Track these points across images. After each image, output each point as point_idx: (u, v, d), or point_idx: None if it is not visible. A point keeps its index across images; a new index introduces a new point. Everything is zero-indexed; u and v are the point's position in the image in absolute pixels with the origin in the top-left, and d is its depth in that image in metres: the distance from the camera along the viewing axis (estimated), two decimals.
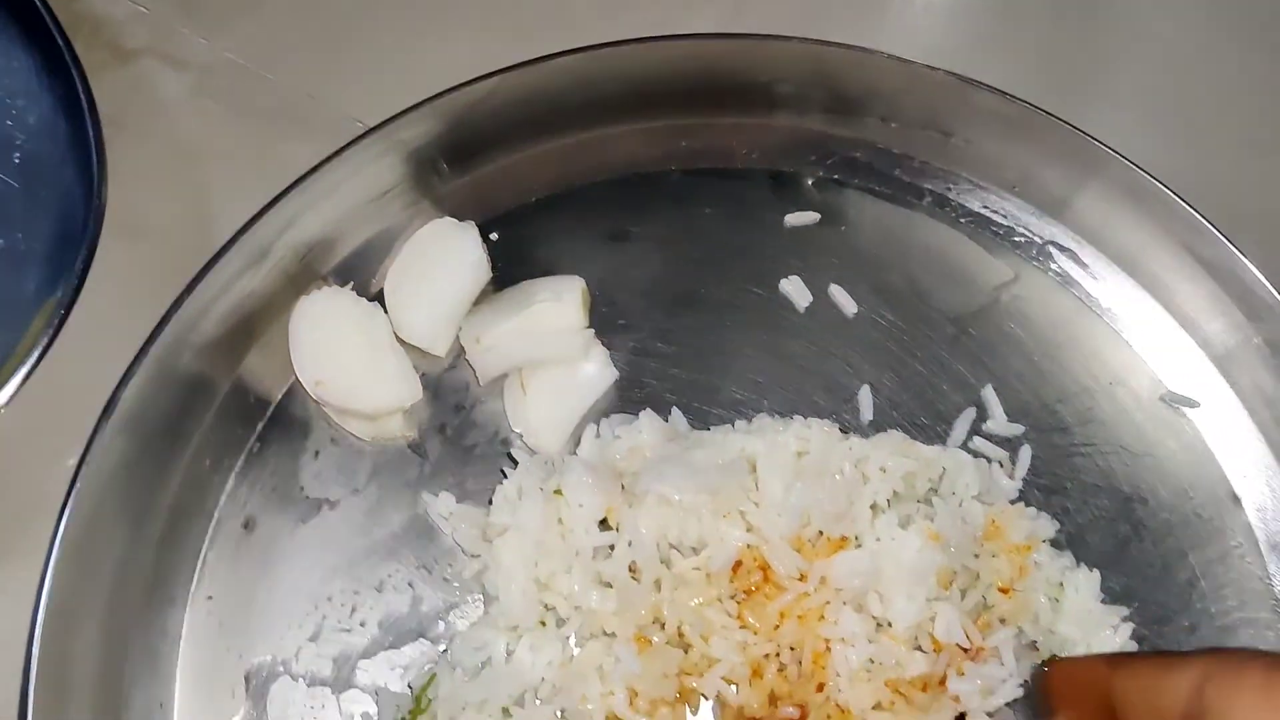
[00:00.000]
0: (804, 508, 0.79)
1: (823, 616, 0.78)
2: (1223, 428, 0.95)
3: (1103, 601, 0.85)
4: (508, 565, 0.79)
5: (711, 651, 0.78)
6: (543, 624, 0.79)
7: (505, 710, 0.77)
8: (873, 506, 0.82)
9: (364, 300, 0.89)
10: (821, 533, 0.81)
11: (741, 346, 0.95)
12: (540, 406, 0.88)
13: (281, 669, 0.82)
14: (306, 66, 1.03)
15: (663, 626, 0.79)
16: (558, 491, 0.81)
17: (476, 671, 0.79)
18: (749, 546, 0.80)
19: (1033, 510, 0.88)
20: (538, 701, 0.78)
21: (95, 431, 0.79)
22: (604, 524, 0.82)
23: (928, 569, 0.79)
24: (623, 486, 0.82)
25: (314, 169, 0.88)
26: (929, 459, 0.86)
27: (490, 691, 0.77)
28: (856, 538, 0.81)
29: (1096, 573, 0.86)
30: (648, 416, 0.87)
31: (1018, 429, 0.93)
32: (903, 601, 0.79)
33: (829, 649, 0.78)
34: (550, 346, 0.88)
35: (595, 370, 0.90)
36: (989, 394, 0.94)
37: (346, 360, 0.87)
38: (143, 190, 0.95)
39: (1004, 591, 0.82)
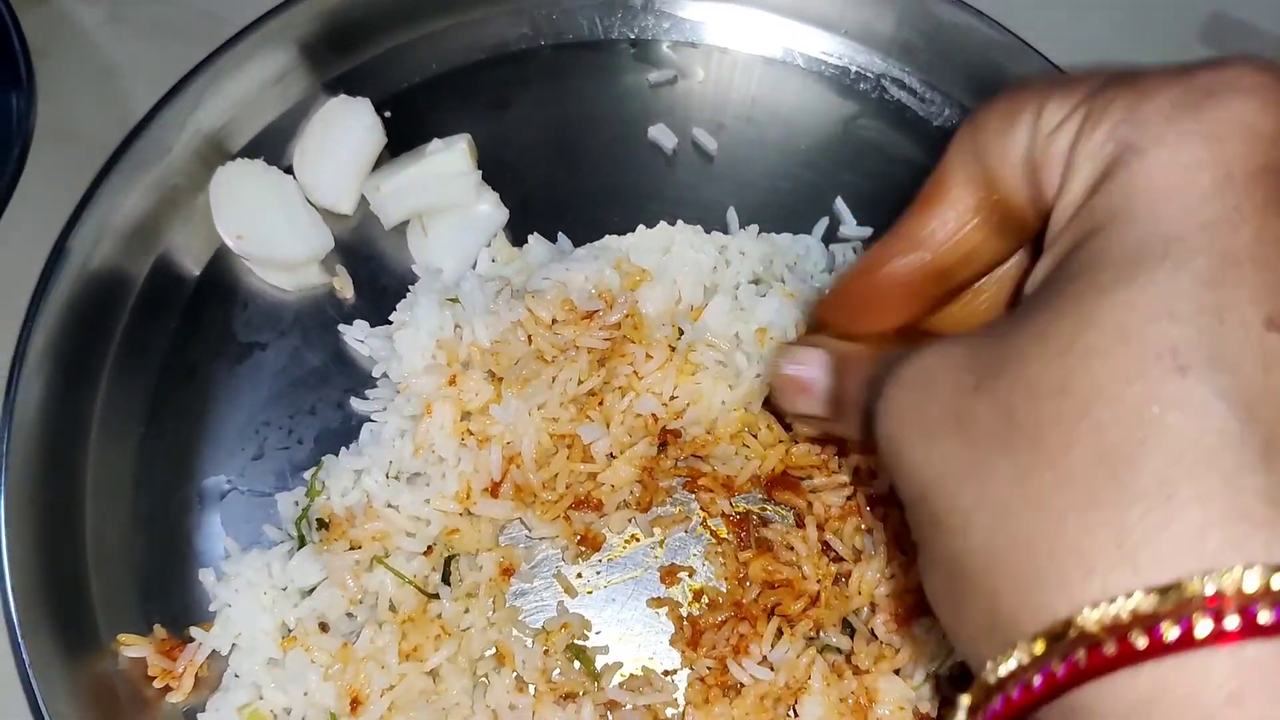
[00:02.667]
0: (674, 280, 0.91)
1: (694, 372, 0.90)
2: None
3: None
4: (406, 354, 0.90)
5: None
6: (429, 412, 0.89)
7: (390, 475, 0.88)
8: (736, 285, 0.94)
9: (274, 168, 1.00)
10: (693, 307, 0.93)
11: (619, 186, 1.06)
12: (440, 244, 0.99)
13: (229, 485, 0.92)
14: None
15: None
16: (453, 299, 0.92)
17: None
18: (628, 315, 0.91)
19: None
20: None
21: (31, 310, 0.89)
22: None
23: (786, 324, 0.91)
24: (512, 293, 0.93)
25: (204, 61, 0.99)
26: (784, 245, 0.98)
27: (373, 460, 0.87)
28: None
29: None
30: (536, 239, 0.99)
31: (867, 231, 1.05)
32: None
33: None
34: (444, 190, 0.99)
35: (488, 210, 1.01)
36: (839, 204, 1.06)
37: (263, 218, 0.97)
38: (69, 106, 1.06)
39: None
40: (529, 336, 0.90)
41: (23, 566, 0.83)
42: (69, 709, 0.80)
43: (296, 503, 0.90)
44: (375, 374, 0.95)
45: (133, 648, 0.85)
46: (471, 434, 0.88)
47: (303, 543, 0.87)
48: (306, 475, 0.90)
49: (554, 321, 0.91)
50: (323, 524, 0.87)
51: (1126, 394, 0.39)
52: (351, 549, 0.86)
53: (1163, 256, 0.40)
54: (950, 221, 0.57)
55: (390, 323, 0.95)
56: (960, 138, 0.55)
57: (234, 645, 0.85)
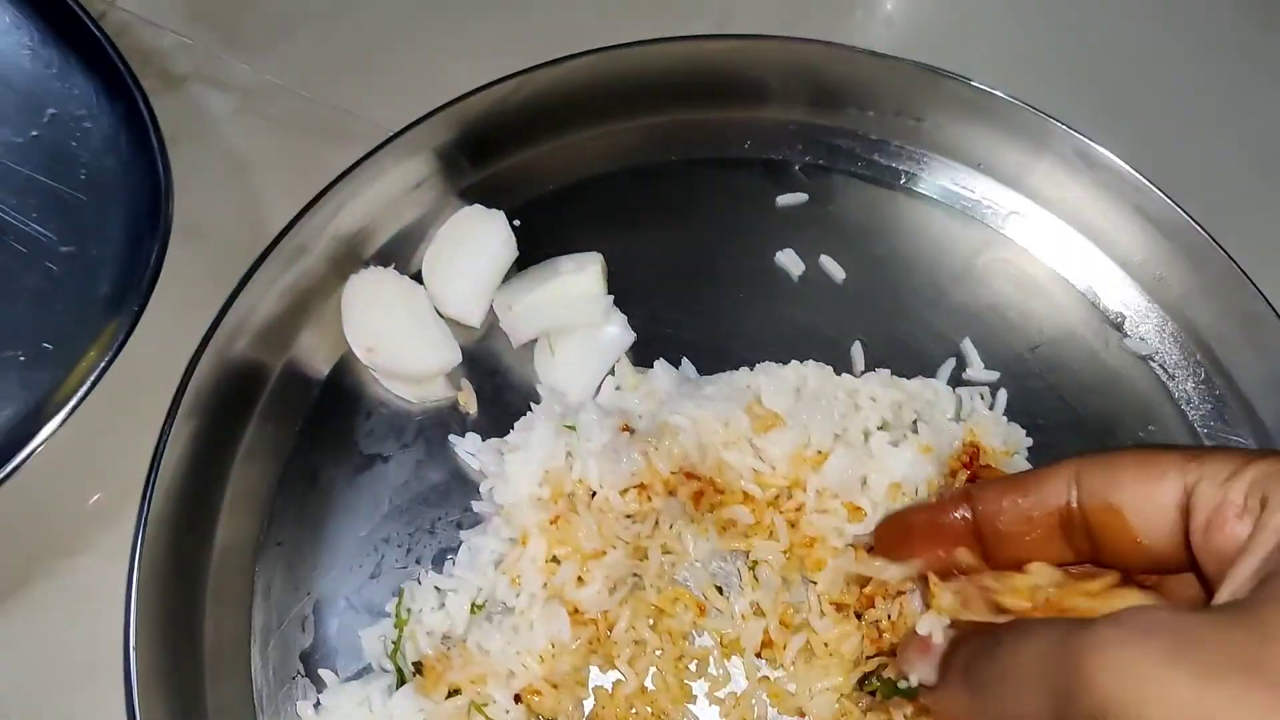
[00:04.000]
0: (804, 424, 0.90)
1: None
2: (1176, 367, 1.06)
3: None
4: (514, 478, 0.89)
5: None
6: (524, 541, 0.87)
7: (475, 605, 0.86)
8: (865, 432, 0.93)
9: (406, 278, 0.99)
10: (820, 451, 0.91)
11: (744, 311, 1.05)
12: (567, 366, 0.99)
13: (345, 603, 0.91)
14: (338, 83, 1.15)
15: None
16: (571, 425, 0.91)
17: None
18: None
19: (1004, 418, 0.98)
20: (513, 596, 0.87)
21: (172, 410, 0.88)
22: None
23: (919, 479, 0.89)
24: (633, 431, 0.91)
25: (349, 169, 0.99)
26: (914, 391, 0.96)
27: (460, 584, 0.87)
28: None
29: None
30: (661, 365, 0.98)
31: (994, 375, 1.04)
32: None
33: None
34: (575, 312, 0.98)
35: (616, 332, 1.00)
36: (967, 345, 1.05)
37: (393, 329, 0.97)
38: (200, 198, 1.05)
39: None
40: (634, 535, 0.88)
41: (146, 673, 0.82)
42: None
43: (382, 637, 0.88)
44: (482, 489, 0.94)
45: None
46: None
47: (401, 678, 0.86)
48: (390, 608, 0.89)
49: (671, 473, 0.89)
50: (418, 668, 0.85)
51: None
52: (450, 695, 0.84)
53: None
54: (1028, 513, 0.68)
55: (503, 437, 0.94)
56: (1067, 468, 0.67)
57: None
